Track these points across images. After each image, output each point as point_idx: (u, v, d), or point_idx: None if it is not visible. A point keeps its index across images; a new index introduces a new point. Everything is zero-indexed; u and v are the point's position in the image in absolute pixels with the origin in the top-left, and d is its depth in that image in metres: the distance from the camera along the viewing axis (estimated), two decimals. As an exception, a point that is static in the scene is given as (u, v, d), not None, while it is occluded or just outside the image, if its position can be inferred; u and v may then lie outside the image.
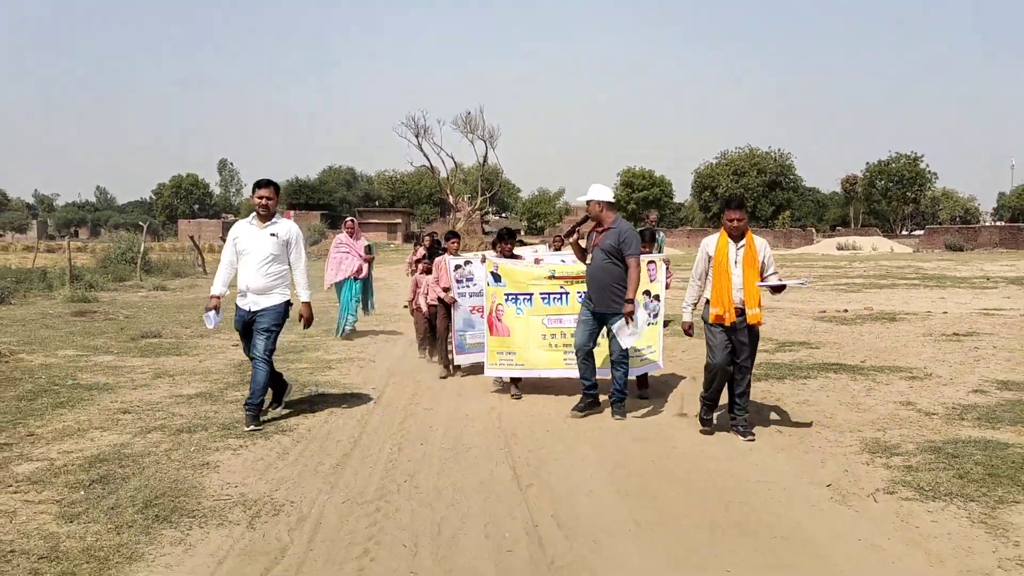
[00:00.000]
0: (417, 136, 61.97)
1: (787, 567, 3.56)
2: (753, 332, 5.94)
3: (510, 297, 7.27)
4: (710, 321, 5.89)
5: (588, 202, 6.46)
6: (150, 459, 5.00)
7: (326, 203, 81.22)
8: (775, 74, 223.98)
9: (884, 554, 3.66)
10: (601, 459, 5.30)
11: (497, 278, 7.30)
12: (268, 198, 5.99)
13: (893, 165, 74.47)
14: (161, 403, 6.67)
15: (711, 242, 6.06)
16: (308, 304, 6.11)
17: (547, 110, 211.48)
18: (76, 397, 6.82)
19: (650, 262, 7.23)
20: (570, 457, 5.34)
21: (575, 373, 7.00)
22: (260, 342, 5.94)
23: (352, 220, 11.61)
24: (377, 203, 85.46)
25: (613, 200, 6.54)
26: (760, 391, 7.04)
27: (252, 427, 5.76)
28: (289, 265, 6.09)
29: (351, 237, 11.16)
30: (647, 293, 7.00)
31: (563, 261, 7.68)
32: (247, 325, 6.02)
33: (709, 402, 6.04)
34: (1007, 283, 20.16)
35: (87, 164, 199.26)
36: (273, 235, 6.00)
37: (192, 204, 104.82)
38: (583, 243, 6.73)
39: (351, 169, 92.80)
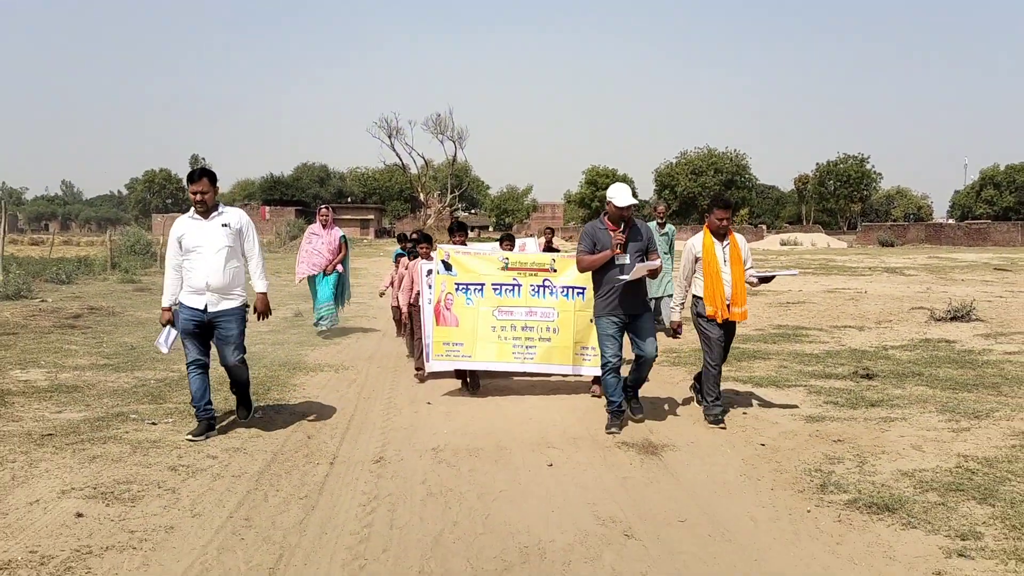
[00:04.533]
0: (390, 136, 64.75)
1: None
2: (733, 327, 6.25)
3: (460, 287, 7.13)
4: (707, 316, 6.06)
5: (630, 206, 5.93)
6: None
7: (299, 199, 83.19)
8: (736, 74, 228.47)
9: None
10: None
11: (448, 267, 7.15)
12: (203, 192, 5.49)
13: (841, 165, 78.30)
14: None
15: (697, 243, 6.17)
16: (264, 295, 5.78)
17: (515, 111, 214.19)
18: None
19: None
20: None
21: (524, 367, 7.19)
22: (230, 353, 5.62)
23: (327, 208, 11.26)
24: (349, 199, 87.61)
25: None
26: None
27: (246, 416, 5.98)
28: (243, 256, 5.69)
29: (324, 228, 10.85)
30: None
31: (553, 260, 7.31)
32: (201, 326, 5.57)
33: (719, 397, 6.15)
34: (884, 271, 23.57)
35: (52, 158, 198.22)
36: (225, 225, 5.55)
37: (165, 199, 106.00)
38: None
39: (324, 166, 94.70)
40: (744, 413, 6.47)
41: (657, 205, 12.11)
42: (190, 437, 5.50)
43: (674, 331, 6.39)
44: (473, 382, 7.42)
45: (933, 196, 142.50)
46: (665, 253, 10.56)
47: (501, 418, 6.44)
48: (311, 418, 6.37)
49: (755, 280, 6.29)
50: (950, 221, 71.18)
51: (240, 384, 5.90)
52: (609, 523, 4.16)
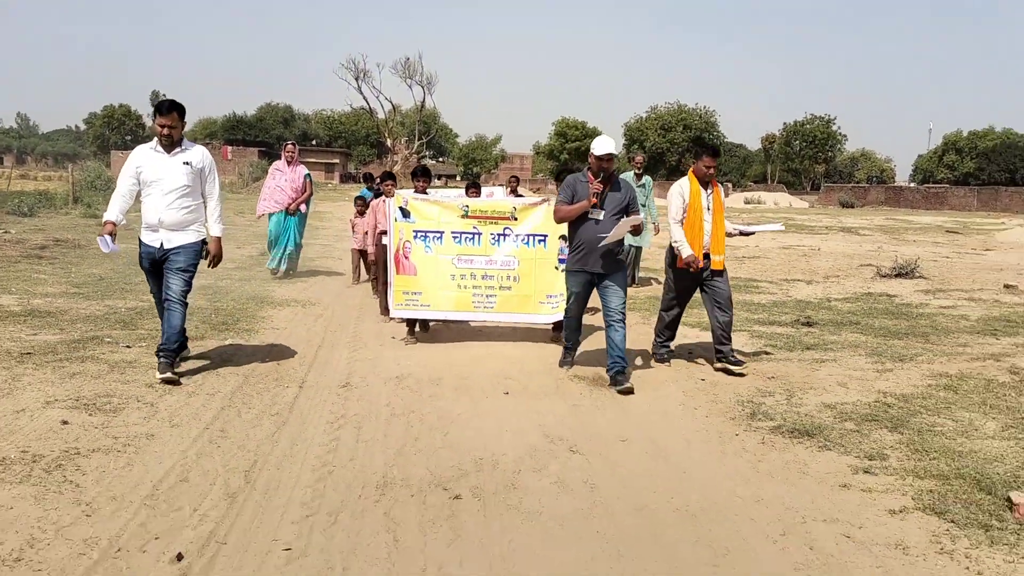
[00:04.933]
0: (357, 79, 63.51)
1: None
2: (722, 274, 6.22)
3: (419, 234, 6.99)
4: (678, 265, 6.11)
5: (609, 156, 5.76)
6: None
7: (263, 140, 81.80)
8: (707, 31, 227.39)
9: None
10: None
11: (406, 214, 7.00)
12: (171, 126, 5.34)
13: (808, 126, 79.01)
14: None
15: (684, 186, 6.13)
16: (218, 240, 5.60)
17: (486, 59, 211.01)
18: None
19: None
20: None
21: (484, 317, 7.19)
22: (176, 283, 5.42)
23: (292, 145, 10.99)
24: (315, 142, 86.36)
25: None
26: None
27: (167, 375, 5.26)
28: (203, 196, 5.54)
29: (289, 165, 10.66)
30: (563, 238, 6.71)
31: (514, 208, 7.12)
32: (156, 264, 5.48)
33: (668, 340, 6.53)
34: (840, 231, 24.32)
35: (7, 91, 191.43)
36: (186, 163, 5.41)
37: (124, 135, 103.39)
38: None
39: (289, 107, 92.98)
40: (689, 353, 6.91)
41: (635, 156, 11.71)
42: (158, 378, 5.27)
43: (690, 264, 6.07)
44: (422, 325, 7.41)
45: (897, 160, 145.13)
46: (642, 205, 10.34)
47: (463, 353, 6.79)
48: (279, 347, 6.67)
49: (735, 232, 6.33)
50: (912, 184, 72.55)
51: (171, 327, 5.42)
52: (557, 441, 4.56)
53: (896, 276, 12.48)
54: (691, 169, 6.22)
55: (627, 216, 5.83)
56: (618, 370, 5.71)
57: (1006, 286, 11.59)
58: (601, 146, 5.81)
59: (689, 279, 6.20)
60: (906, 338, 7.55)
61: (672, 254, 6.24)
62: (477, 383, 5.80)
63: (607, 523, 3.51)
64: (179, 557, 3.05)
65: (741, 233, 6.39)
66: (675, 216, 6.15)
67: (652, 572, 3.09)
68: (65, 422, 4.40)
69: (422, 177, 7.86)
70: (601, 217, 5.80)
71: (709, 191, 6.12)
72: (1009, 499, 3.64)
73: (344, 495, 3.72)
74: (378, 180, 9.67)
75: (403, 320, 7.29)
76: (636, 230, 5.86)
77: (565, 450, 4.42)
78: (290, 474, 3.94)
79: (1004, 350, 6.94)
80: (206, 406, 4.91)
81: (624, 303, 5.92)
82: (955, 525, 3.48)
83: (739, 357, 6.15)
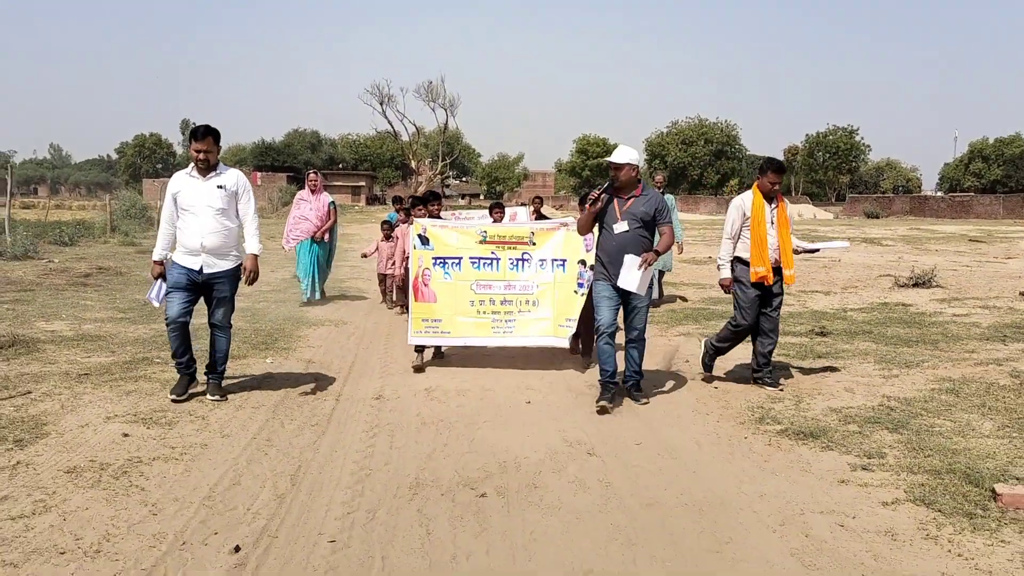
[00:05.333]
0: (381, 103, 64.68)
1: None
2: (780, 298, 6.23)
3: (438, 261, 7.03)
4: (752, 280, 6.04)
5: (622, 166, 5.76)
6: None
7: (291, 165, 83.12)
8: (727, 44, 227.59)
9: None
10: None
11: (425, 241, 7.05)
12: (206, 151, 5.49)
13: (831, 137, 78.75)
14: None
15: (746, 201, 6.12)
16: (255, 257, 5.68)
17: (507, 80, 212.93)
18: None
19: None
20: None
21: (503, 341, 7.09)
22: (221, 311, 5.67)
23: (315, 173, 11.04)
24: (341, 166, 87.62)
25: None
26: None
27: (217, 396, 5.65)
28: (238, 217, 5.67)
29: (313, 193, 10.70)
30: (582, 263, 6.87)
31: (532, 232, 7.15)
32: (194, 284, 5.56)
33: (719, 353, 6.50)
34: (863, 241, 24.42)
35: (40, 122, 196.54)
36: (220, 187, 5.54)
37: (155, 163, 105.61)
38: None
39: (316, 132, 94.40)
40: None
41: (655, 175, 11.64)
42: (171, 396, 5.55)
43: (725, 288, 6.25)
44: (436, 352, 7.39)
45: (923, 169, 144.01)
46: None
47: (487, 367, 7.14)
48: (316, 363, 7.09)
49: (800, 250, 6.26)
50: (937, 193, 71.96)
51: (219, 353, 5.77)
52: (576, 445, 4.91)
53: (913, 286, 12.67)
54: (755, 184, 6.21)
55: (651, 226, 5.84)
56: (633, 383, 5.94)
57: (1021, 293, 11.74)
58: (615, 154, 5.85)
59: (754, 292, 6.12)
60: (916, 345, 7.80)
61: (740, 266, 6.18)
62: (501, 394, 6.17)
63: (620, 516, 3.84)
64: (236, 549, 3.44)
65: (806, 251, 6.35)
66: (727, 232, 6.18)
67: (660, 557, 3.42)
68: (126, 435, 4.83)
69: (434, 202, 7.94)
70: (619, 229, 5.78)
71: (773, 205, 6.09)
72: (993, 490, 3.92)
73: (380, 495, 4.09)
74: (412, 197, 9.48)
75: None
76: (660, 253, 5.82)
77: (583, 453, 4.76)
78: (331, 477, 4.33)
79: (1009, 355, 7.17)
80: (252, 418, 5.33)
81: (646, 322, 5.94)
82: (942, 514, 3.78)
83: (773, 379, 6.21)
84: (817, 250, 6.48)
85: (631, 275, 5.64)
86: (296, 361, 7.18)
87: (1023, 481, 4.09)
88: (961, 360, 7.02)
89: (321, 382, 6.43)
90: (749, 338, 6.41)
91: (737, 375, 6.72)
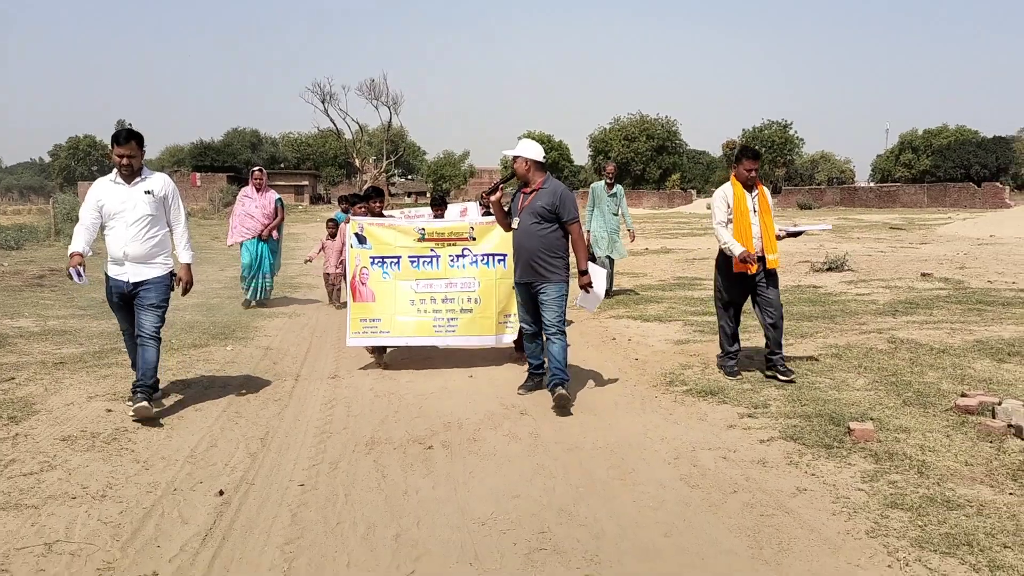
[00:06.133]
0: (323, 102, 64.41)
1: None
2: (772, 274, 6.18)
3: (376, 260, 6.92)
4: (735, 271, 6.08)
5: (515, 158, 5.77)
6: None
7: (231, 165, 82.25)
8: (667, 40, 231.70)
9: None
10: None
11: (362, 240, 6.94)
12: (129, 156, 5.23)
13: (766, 131, 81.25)
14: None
15: (727, 191, 6.16)
16: (188, 266, 5.55)
17: (451, 76, 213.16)
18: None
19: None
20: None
21: (445, 341, 7.08)
22: (148, 320, 5.30)
23: (260, 171, 10.65)
24: (283, 165, 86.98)
25: (543, 160, 5.84)
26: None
27: (142, 406, 5.12)
28: (168, 225, 5.46)
29: (258, 192, 10.46)
30: None
31: (471, 227, 7.08)
32: (125, 298, 5.36)
33: (728, 347, 6.40)
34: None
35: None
36: (148, 192, 5.31)
37: (91, 166, 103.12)
38: (505, 204, 6.15)
39: (256, 131, 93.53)
40: (628, 340, 8.04)
41: (606, 165, 11.64)
42: (132, 410, 5.17)
43: (745, 260, 6.07)
44: (380, 350, 7.11)
45: (857, 161, 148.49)
46: (614, 214, 10.78)
47: (435, 351, 7.82)
48: (274, 350, 7.70)
49: (783, 234, 6.31)
50: (871, 184, 74.75)
51: (147, 363, 5.30)
52: (511, 408, 5.65)
53: (827, 270, 13.75)
54: (732, 174, 6.26)
55: (553, 220, 5.69)
56: (557, 382, 5.66)
57: (922, 274, 12.90)
58: (514, 149, 5.86)
59: (739, 284, 6.16)
60: (815, 320, 8.75)
61: (724, 257, 6.20)
62: (447, 371, 6.88)
63: (545, 458, 4.60)
64: (220, 493, 4.09)
65: (788, 234, 6.39)
66: (719, 220, 6.20)
67: (574, 484, 4.19)
68: (109, 410, 5.41)
69: (376, 198, 7.55)
70: (514, 224, 5.83)
71: (754, 193, 6.14)
72: (849, 427, 4.78)
73: (341, 451, 4.77)
74: (360, 192, 8.73)
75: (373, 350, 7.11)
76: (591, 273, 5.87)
77: (516, 413, 5.51)
78: (296, 440, 4.99)
79: (894, 326, 8.15)
80: (221, 396, 5.95)
81: (559, 316, 5.78)
82: (805, 446, 4.63)
83: (788, 367, 6.14)
84: (801, 233, 6.56)
85: (588, 302, 5.93)
86: (255, 348, 7.78)
87: (875, 421, 4.97)
88: (851, 330, 7.98)
89: (280, 366, 7.06)
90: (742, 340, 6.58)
91: (657, 349, 7.55)
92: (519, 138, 5.84)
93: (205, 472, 4.38)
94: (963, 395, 5.34)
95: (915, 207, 51.08)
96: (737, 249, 6.07)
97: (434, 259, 6.98)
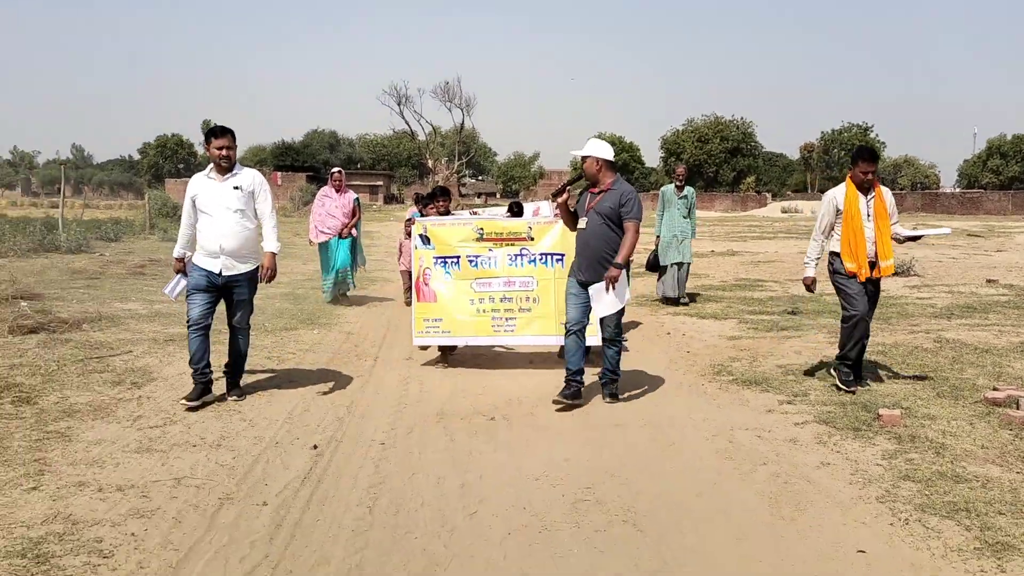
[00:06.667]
0: (399, 104, 66.32)
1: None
2: (877, 283, 5.96)
3: (438, 260, 6.99)
4: (846, 272, 5.81)
5: (584, 158, 5.76)
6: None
7: (310, 165, 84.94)
8: (743, 41, 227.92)
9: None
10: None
11: (426, 240, 7.03)
12: (228, 147, 5.52)
13: (845, 134, 79.55)
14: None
15: (838, 194, 5.91)
16: (272, 255, 5.74)
17: (523, 79, 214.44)
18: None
19: None
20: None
21: (503, 340, 7.13)
22: (240, 314, 5.78)
23: (340, 172, 10.90)
24: (359, 165, 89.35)
25: (613, 160, 5.80)
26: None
27: (235, 396, 5.73)
28: (256, 216, 5.69)
29: (338, 192, 10.67)
30: None
31: (530, 227, 7.09)
32: (214, 286, 5.63)
33: (850, 361, 5.87)
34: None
35: (63, 123, 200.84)
36: (236, 188, 5.57)
37: (177, 163, 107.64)
38: (571, 204, 6.07)
39: (334, 132, 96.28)
40: (683, 335, 8.51)
41: (676, 167, 11.34)
42: (184, 401, 5.49)
43: (807, 287, 6.16)
44: (447, 350, 7.23)
45: (944, 166, 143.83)
46: (684, 217, 10.59)
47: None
48: (355, 334, 8.45)
49: (902, 237, 6.03)
50: (956, 190, 72.40)
51: (238, 354, 5.88)
52: (567, 389, 6.21)
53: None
54: (848, 176, 6.01)
55: (618, 221, 5.65)
56: (607, 381, 5.88)
57: (988, 281, 12.90)
58: (583, 148, 5.83)
59: (855, 284, 5.88)
60: (872, 321, 9.01)
61: (838, 259, 5.96)
62: (510, 355, 7.49)
63: (593, 432, 5.16)
64: (315, 447, 4.78)
65: (908, 238, 6.12)
66: (816, 229, 6.08)
67: (618, 453, 4.73)
68: (217, 378, 6.19)
69: (442, 198, 7.63)
70: (581, 224, 5.82)
71: (870, 196, 5.86)
72: (878, 413, 5.19)
73: (415, 419, 5.42)
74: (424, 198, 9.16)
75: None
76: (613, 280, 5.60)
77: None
78: (377, 409, 5.67)
79: (944, 328, 8.40)
80: (310, 371, 6.69)
81: (616, 320, 5.79)
82: (835, 429, 5.06)
83: (846, 378, 5.89)
84: (920, 237, 6.30)
85: (601, 303, 5.65)
86: (338, 333, 8.54)
87: (905, 409, 5.35)
88: (900, 331, 8.27)
89: (361, 348, 7.79)
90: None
91: (709, 343, 8.00)
92: (588, 139, 5.91)
93: (301, 431, 5.09)
94: (994, 389, 5.66)
95: (999, 214, 49.40)
96: (807, 271, 6.15)
97: (493, 258, 7.01)
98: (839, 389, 5.87)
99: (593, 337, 6.10)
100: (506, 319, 6.96)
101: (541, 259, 7.00)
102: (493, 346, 7.58)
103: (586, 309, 5.81)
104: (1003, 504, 3.84)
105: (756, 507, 3.95)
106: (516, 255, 7.02)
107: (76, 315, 8.53)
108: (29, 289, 9.93)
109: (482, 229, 7.07)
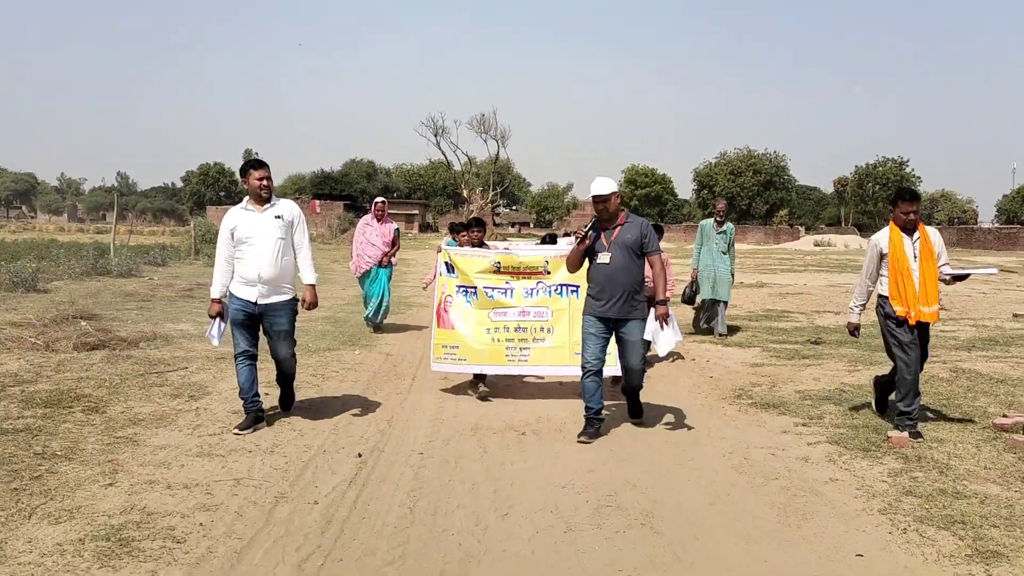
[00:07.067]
0: (436, 135, 67.54)
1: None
2: (926, 328, 5.83)
3: (460, 289, 7.12)
4: (897, 317, 5.66)
5: (610, 196, 5.70)
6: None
7: (348, 194, 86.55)
8: (776, 75, 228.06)
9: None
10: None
11: (451, 268, 7.17)
12: (267, 178, 5.64)
13: (880, 168, 79.11)
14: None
15: (882, 238, 5.79)
16: (313, 287, 5.86)
17: (557, 110, 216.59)
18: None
19: None
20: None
21: (518, 369, 7.16)
22: (284, 346, 5.83)
23: (384, 202, 11.02)
24: (395, 194, 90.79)
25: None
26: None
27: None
28: (293, 248, 5.76)
29: (379, 221, 10.73)
30: None
31: (546, 261, 7.06)
32: (251, 317, 5.71)
33: (913, 411, 5.64)
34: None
35: (108, 150, 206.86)
36: (278, 217, 5.65)
37: (219, 191, 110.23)
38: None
39: (371, 162, 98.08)
40: (707, 361, 8.83)
41: (716, 202, 11.42)
42: (237, 431, 5.58)
43: (851, 332, 6.19)
44: (478, 378, 7.23)
45: (981, 201, 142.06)
46: (723, 253, 10.52)
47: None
48: (394, 356, 8.90)
49: (948, 278, 5.86)
50: (992, 225, 71.54)
51: (286, 376, 6.08)
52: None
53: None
54: (891, 218, 5.89)
55: (642, 257, 5.78)
56: (633, 413, 6.17)
57: (1015, 315, 13.02)
58: (593, 187, 5.75)
59: (907, 332, 5.73)
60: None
61: (888, 303, 5.82)
62: (541, 379, 7.88)
63: (618, 447, 5.52)
64: (359, 455, 5.20)
65: (955, 278, 5.94)
66: (863, 272, 6.03)
67: (640, 466, 5.09)
68: (266, 394, 6.62)
69: (476, 227, 7.69)
70: (602, 259, 5.75)
71: (915, 237, 5.72)
72: (888, 435, 5.48)
73: (451, 432, 5.83)
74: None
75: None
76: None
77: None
78: (415, 423, 6.09)
79: (962, 359, 8.62)
80: (352, 388, 7.14)
81: (643, 358, 5.89)
82: (846, 449, 5.37)
83: (913, 424, 5.66)
84: (967, 276, 6.13)
85: (661, 342, 5.74)
86: (378, 354, 9.00)
87: (914, 434, 5.63)
88: (920, 361, 8.49)
89: (399, 369, 8.23)
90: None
91: (732, 369, 8.32)
92: (596, 179, 5.77)
93: (346, 440, 5.52)
94: (1003, 415, 5.92)
95: (1038, 250, 48.77)
96: (852, 318, 6.14)
97: (508, 291, 7.06)
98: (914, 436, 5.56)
99: (611, 368, 6.25)
100: (520, 348, 7.01)
101: (556, 290, 7.04)
102: (511, 376, 7.58)
103: (604, 347, 5.81)
104: (998, 518, 4.12)
105: (765, 515, 4.28)
106: (532, 288, 7.09)
107: (133, 334, 9.11)
108: (88, 310, 10.57)
109: (499, 263, 7.12)
